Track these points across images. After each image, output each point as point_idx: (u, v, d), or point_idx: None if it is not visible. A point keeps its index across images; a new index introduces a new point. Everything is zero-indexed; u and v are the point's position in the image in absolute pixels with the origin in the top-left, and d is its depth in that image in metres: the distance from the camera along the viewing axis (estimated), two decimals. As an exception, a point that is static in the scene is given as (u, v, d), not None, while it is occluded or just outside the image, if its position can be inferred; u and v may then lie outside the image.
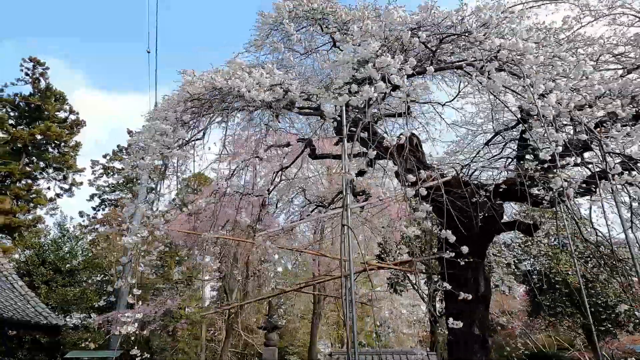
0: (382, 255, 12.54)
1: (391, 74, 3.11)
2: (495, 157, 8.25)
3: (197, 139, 5.21)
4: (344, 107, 3.52)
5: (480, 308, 7.44)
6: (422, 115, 8.26)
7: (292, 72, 5.80)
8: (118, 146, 29.55)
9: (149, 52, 14.10)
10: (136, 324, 3.66)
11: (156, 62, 24.14)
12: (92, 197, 29.32)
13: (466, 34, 3.30)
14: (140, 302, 13.86)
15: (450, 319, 7.74)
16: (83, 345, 12.35)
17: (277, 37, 5.83)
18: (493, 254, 11.69)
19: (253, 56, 6.20)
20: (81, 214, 28.08)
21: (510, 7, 3.70)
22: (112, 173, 29.27)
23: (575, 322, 16.44)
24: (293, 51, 6.30)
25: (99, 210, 28.80)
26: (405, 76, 3.15)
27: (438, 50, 4.26)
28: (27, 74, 25.29)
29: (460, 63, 3.76)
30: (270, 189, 10.16)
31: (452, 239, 3.94)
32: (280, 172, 10.21)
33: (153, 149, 3.84)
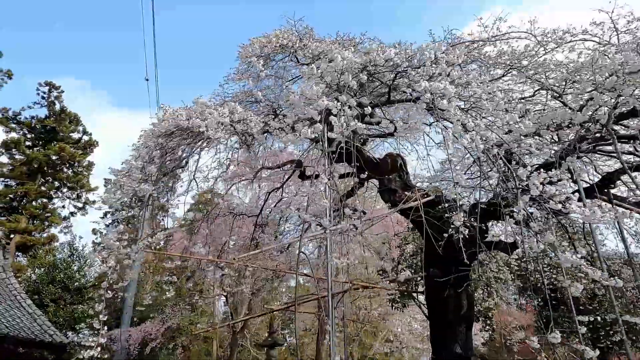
0: (380, 273, 12.67)
1: (334, 115, 3.37)
2: (477, 177, 8.41)
3: (181, 167, 5.55)
4: (326, 132, 3.79)
5: (462, 328, 7.54)
6: (409, 136, 8.50)
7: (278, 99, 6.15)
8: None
9: (147, 80, 14.51)
10: (99, 349, 3.93)
11: (157, 89, 24.55)
12: (105, 214, 30.13)
13: (405, 73, 3.55)
14: (148, 320, 14.24)
15: (436, 338, 7.89)
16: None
17: (256, 69, 6.19)
18: (492, 269, 11.73)
19: (239, 85, 6.58)
20: (94, 231, 28.83)
21: (454, 44, 3.94)
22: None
23: (585, 337, 16.22)
24: (278, 78, 6.66)
25: (112, 227, 29.54)
26: (349, 115, 3.41)
27: (395, 84, 4.53)
28: (43, 97, 26.37)
29: (411, 97, 4.01)
30: (263, 209, 10.46)
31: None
32: (271, 193, 10.51)
33: (127, 185, 4.18)
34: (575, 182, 5.60)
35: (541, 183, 2.97)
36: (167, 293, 9.59)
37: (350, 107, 3.44)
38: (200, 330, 13.45)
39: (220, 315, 23.38)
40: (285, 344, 21.28)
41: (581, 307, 16.41)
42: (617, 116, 5.04)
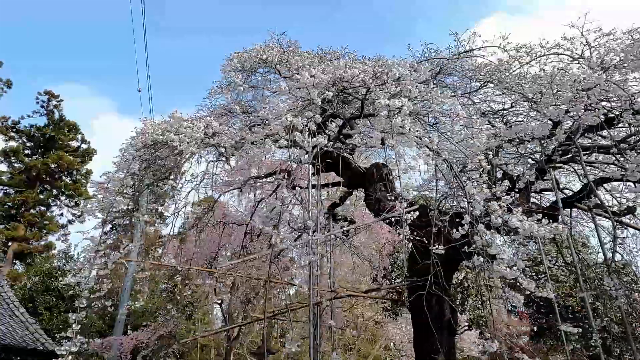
0: (374, 281, 12.76)
1: (299, 130, 3.51)
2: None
3: (165, 178, 5.68)
4: (310, 146, 3.92)
5: (444, 334, 7.64)
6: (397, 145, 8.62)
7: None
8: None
9: (139, 91, 14.53)
10: (70, 357, 4.04)
11: (150, 99, 24.74)
12: (103, 223, 30.21)
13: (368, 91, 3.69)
14: (142, 328, 14.29)
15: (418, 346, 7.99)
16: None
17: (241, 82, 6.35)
18: (483, 277, 11.78)
19: (224, 97, 6.74)
20: (92, 239, 28.92)
21: (421, 61, 4.08)
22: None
23: (580, 346, 16.24)
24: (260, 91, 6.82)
25: (109, 235, 29.69)
26: (307, 133, 3.54)
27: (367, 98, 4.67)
28: (42, 106, 26.62)
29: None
30: (253, 217, 10.58)
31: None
32: (260, 202, 10.64)
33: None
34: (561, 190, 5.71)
35: (487, 200, 3.09)
36: (159, 300, 9.67)
37: (315, 122, 3.57)
38: (195, 336, 13.47)
39: (219, 323, 23.38)
40: (283, 352, 21.28)
41: (573, 315, 16.41)
42: (586, 128, 5.16)
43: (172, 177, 5.85)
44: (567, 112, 4.84)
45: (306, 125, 3.50)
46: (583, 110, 3.91)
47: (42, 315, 14.14)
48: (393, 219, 7.26)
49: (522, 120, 6.34)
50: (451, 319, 8.00)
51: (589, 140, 6.26)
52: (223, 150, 4.18)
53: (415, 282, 8.09)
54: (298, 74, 6.05)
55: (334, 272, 10.38)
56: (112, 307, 15.13)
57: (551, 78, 4.14)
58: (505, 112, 6.81)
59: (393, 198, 7.43)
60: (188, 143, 3.87)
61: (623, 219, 7.61)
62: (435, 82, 5.89)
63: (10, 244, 24.18)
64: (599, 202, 6.45)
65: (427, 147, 3.46)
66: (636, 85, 4.65)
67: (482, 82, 6.08)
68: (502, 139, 4.66)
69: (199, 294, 17.64)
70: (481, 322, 16.88)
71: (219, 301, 16.74)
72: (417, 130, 3.59)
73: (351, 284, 14.67)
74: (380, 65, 3.98)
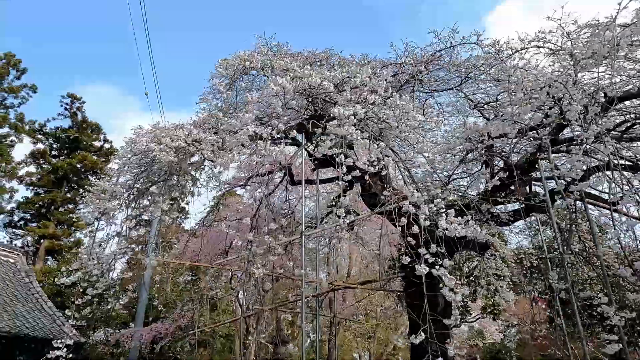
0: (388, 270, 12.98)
1: (261, 139, 3.76)
2: (463, 176, 8.65)
3: (160, 181, 6.06)
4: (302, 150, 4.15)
5: (438, 324, 7.86)
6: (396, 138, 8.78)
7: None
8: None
9: (147, 94, 14.96)
10: (65, 349, 4.46)
11: (160, 102, 25.38)
12: (127, 219, 31.38)
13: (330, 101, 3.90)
14: (159, 320, 15.00)
15: (413, 335, 8.23)
16: (104, 358, 13.60)
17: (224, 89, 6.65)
18: (491, 267, 11.86)
19: (220, 100, 7.05)
20: (118, 234, 30.13)
21: (385, 65, 4.24)
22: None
23: (595, 332, 16.06)
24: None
25: (134, 230, 30.79)
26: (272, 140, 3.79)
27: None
28: (65, 109, 27.73)
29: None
30: (255, 214, 10.95)
31: (406, 260, 4.50)
32: (264, 198, 10.97)
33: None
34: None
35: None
36: (181, 292, 10.17)
37: (278, 131, 3.82)
38: (210, 326, 14.05)
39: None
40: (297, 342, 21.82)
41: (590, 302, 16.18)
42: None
43: (173, 179, 6.24)
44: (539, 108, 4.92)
45: (270, 134, 3.75)
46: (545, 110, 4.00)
47: (69, 308, 15.01)
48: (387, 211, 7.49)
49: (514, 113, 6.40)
50: (445, 308, 8.20)
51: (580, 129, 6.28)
52: (203, 156, 4.47)
53: (410, 272, 8.34)
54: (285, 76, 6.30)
55: (337, 265, 10.71)
56: (135, 300, 15.93)
57: (521, 75, 4.23)
58: (495, 104, 6.87)
59: (387, 192, 7.64)
60: (167, 153, 4.18)
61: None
62: (414, 82, 6.03)
63: (42, 241, 25.50)
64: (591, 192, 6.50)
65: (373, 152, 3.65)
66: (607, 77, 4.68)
67: (463, 77, 6.17)
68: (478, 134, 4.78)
69: (221, 285, 18.30)
70: (495, 310, 16.88)
71: (235, 293, 17.31)
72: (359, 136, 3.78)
73: (365, 277, 14.91)
74: (347, 71, 4.17)
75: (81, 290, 5.60)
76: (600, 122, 4.16)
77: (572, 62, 4.86)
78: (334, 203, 11.14)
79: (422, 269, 3.78)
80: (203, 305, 14.47)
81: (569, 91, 3.70)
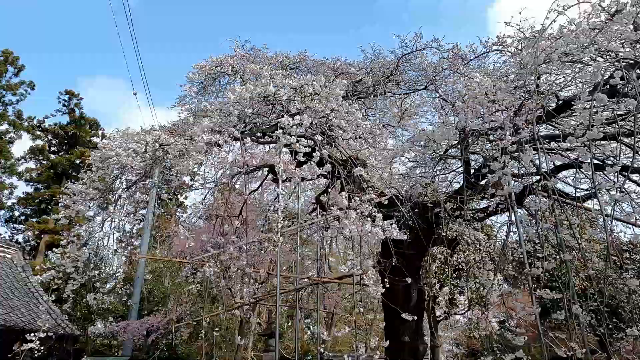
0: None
1: (218, 145, 4.02)
2: (442, 174, 8.88)
3: (132, 185, 6.34)
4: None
5: (412, 318, 8.16)
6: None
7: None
8: (148, 165, 31.96)
9: (135, 94, 15.35)
10: (38, 342, 4.77)
11: (150, 101, 25.55)
12: (128, 214, 31.83)
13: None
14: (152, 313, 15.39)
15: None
16: (100, 350, 14.05)
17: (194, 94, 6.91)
18: (474, 259, 12.13)
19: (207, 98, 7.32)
20: (118, 229, 30.60)
21: (340, 74, 4.47)
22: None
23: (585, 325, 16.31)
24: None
25: (135, 225, 31.26)
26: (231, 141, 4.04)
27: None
28: (64, 105, 28.03)
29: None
30: (243, 210, 11.22)
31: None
32: (250, 194, 11.25)
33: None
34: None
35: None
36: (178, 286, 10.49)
37: (235, 138, 4.07)
38: (211, 315, 14.39)
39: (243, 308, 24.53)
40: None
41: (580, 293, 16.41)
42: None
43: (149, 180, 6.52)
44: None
45: (226, 142, 4.00)
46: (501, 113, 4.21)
47: (66, 302, 15.42)
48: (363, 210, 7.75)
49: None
50: (418, 303, 8.48)
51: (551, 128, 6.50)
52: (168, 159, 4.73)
53: (385, 268, 8.61)
54: (257, 80, 6.53)
55: (320, 260, 10.97)
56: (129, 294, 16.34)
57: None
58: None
59: (361, 190, 7.89)
60: (133, 158, 4.44)
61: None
62: (384, 83, 6.26)
63: (42, 236, 25.94)
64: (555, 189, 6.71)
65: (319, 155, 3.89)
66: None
67: (430, 79, 6.39)
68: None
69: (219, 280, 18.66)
70: (480, 302, 17.13)
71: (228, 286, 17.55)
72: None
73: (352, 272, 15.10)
74: (304, 79, 4.39)
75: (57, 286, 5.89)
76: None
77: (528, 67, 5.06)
78: (316, 200, 11.41)
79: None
80: (202, 297, 14.83)
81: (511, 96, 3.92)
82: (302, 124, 3.75)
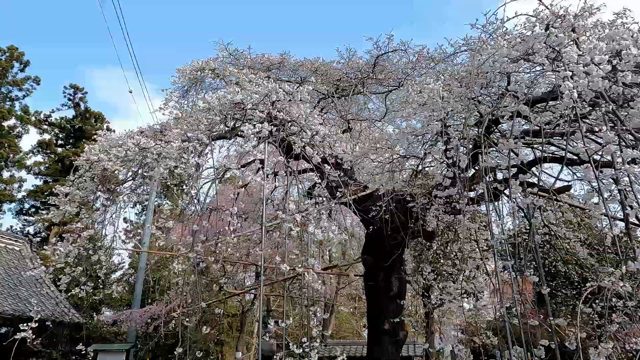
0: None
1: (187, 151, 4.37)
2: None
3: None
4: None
5: (392, 306, 8.56)
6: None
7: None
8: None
9: (130, 92, 15.77)
10: (30, 331, 5.22)
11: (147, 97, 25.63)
12: (135, 204, 32.57)
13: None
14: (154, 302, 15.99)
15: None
16: (108, 337, 14.73)
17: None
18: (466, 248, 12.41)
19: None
20: (125, 220, 31.34)
21: (305, 82, 4.76)
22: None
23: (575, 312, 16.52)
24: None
25: (141, 216, 31.98)
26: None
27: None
28: (69, 99, 28.57)
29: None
30: (234, 203, 11.60)
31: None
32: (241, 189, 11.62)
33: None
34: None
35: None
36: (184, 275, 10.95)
37: (204, 144, 4.41)
38: (214, 301, 14.92)
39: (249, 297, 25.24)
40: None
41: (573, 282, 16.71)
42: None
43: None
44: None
45: (195, 148, 4.35)
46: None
47: (72, 292, 16.12)
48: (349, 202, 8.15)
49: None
50: (398, 292, 8.83)
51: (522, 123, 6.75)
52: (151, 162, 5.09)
53: (367, 259, 9.01)
54: (237, 84, 6.84)
55: (308, 251, 11.40)
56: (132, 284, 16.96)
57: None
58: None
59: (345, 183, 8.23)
60: (114, 162, 4.81)
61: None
62: (361, 83, 6.53)
63: (52, 227, 26.73)
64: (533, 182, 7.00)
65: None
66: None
67: (397, 84, 6.65)
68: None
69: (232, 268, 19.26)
70: (473, 291, 17.41)
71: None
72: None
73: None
74: (270, 86, 4.70)
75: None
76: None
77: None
78: (309, 192, 11.77)
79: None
80: (211, 286, 15.37)
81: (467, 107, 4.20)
82: (261, 130, 4.07)
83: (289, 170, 9.12)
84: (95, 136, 6.21)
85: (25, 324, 5.29)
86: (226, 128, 4.48)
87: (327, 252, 20.12)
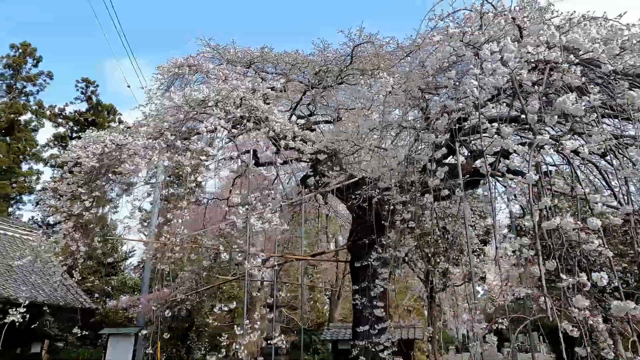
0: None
1: (156, 149, 4.66)
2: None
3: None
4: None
5: (373, 290, 8.81)
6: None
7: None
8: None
9: (129, 87, 16.10)
10: (19, 315, 5.66)
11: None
12: (148, 194, 33.45)
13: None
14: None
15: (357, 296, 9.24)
16: (121, 322, 15.48)
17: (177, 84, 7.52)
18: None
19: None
20: (140, 209, 32.25)
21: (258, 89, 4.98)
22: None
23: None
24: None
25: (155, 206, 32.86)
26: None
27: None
28: (82, 93, 29.31)
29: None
30: (231, 193, 11.98)
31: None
32: (237, 179, 12.00)
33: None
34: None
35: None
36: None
37: (171, 143, 4.70)
38: (218, 283, 15.48)
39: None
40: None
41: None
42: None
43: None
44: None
45: (163, 148, 4.64)
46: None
47: (87, 279, 16.87)
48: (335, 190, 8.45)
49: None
50: (374, 274, 9.07)
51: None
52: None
53: (354, 245, 9.27)
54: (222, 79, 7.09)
55: (303, 238, 11.73)
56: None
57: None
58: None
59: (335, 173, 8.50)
60: (90, 159, 5.15)
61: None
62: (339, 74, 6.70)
63: (69, 218, 27.75)
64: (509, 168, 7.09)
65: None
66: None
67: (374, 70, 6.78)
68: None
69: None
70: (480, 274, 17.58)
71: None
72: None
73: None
74: (231, 86, 4.94)
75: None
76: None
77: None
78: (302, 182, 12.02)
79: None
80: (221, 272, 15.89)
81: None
82: (216, 128, 4.33)
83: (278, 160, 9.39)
84: (108, 128, 6.59)
85: (14, 309, 5.72)
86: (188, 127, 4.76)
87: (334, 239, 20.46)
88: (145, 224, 30.11)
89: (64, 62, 51.35)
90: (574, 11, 3.44)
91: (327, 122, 10.78)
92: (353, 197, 7.90)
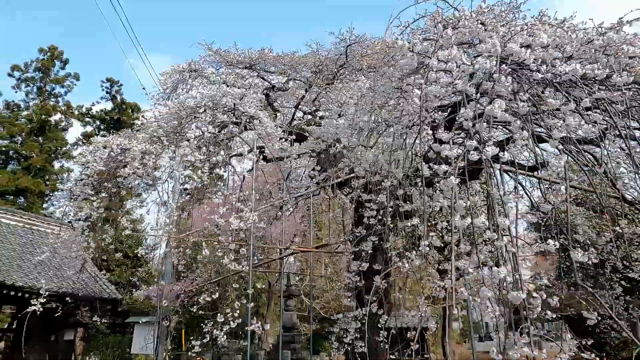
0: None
1: (152, 153, 5.10)
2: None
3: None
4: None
5: (375, 278, 9.17)
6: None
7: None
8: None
9: (144, 88, 16.73)
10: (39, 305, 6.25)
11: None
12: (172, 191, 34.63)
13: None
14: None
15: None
16: (145, 309, 16.39)
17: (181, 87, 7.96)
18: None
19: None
20: (164, 203, 33.43)
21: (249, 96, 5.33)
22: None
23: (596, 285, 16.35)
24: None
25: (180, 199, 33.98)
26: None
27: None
28: (107, 92, 30.48)
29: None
30: (237, 190, 12.43)
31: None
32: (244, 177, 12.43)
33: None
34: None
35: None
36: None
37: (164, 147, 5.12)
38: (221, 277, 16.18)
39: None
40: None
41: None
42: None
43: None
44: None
45: (158, 150, 5.07)
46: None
47: (114, 271, 17.85)
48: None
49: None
50: (384, 267, 9.39)
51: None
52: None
53: (354, 237, 9.59)
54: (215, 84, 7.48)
55: (312, 231, 12.11)
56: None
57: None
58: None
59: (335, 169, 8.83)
60: (97, 163, 5.65)
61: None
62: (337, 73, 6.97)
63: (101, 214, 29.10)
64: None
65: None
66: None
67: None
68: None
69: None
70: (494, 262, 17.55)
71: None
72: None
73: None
74: (221, 91, 5.31)
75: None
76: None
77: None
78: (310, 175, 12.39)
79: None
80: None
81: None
82: (203, 133, 4.72)
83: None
84: (133, 126, 7.11)
85: (35, 298, 6.29)
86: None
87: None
88: (168, 219, 31.25)
89: (88, 62, 53.21)
90: (525, 15, 3.62)
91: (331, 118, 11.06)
92: (348, 191, 8.27)
